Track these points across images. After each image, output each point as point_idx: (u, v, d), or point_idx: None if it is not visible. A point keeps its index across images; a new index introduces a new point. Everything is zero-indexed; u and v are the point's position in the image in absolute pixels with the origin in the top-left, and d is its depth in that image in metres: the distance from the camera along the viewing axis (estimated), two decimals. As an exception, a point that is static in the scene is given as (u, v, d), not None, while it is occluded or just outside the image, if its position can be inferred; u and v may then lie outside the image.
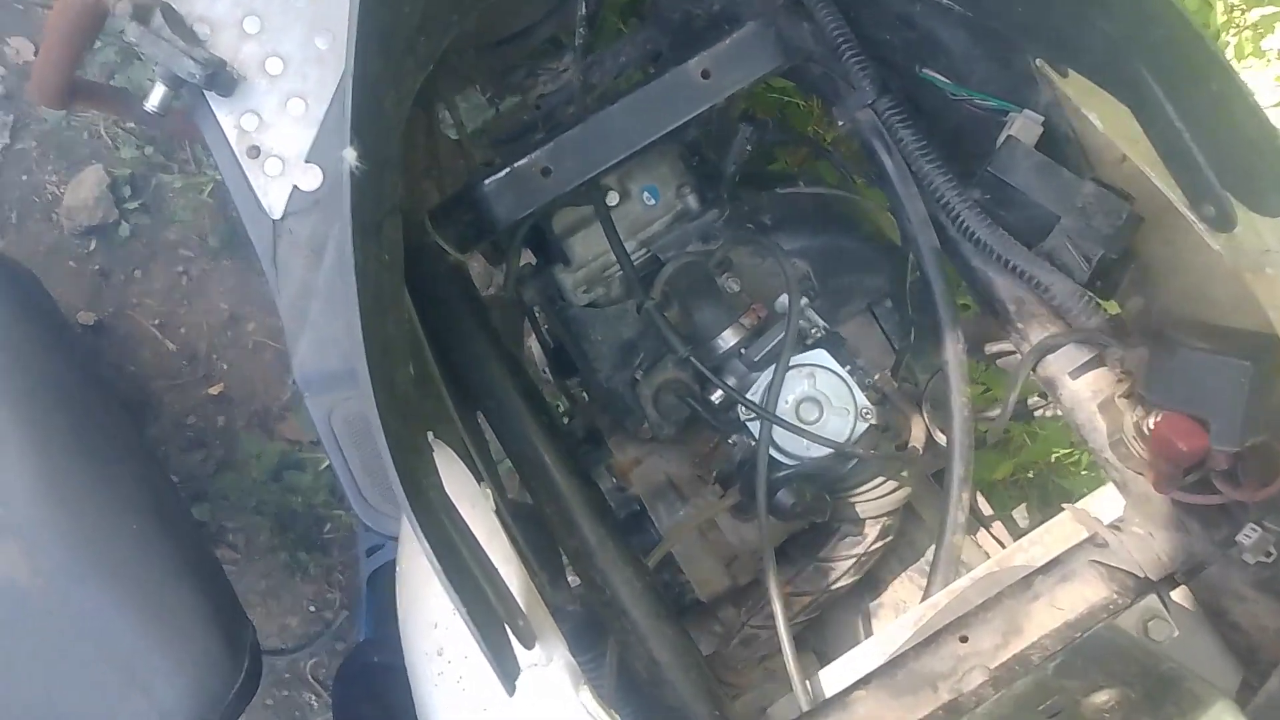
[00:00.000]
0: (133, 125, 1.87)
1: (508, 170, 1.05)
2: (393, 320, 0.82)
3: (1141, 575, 0.88)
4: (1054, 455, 1.76)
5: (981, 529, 1.29)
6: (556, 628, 0.77)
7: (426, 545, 0.67)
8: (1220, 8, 1.87)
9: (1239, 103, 0.67)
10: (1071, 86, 0.89)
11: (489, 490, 0.85)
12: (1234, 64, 1.90)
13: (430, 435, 0.86)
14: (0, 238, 1.86)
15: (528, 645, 0.74)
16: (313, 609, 1.93)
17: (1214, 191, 0.73)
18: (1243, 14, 1.90)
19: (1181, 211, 0.80)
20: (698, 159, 1.27)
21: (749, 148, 1.21)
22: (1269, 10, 1.87)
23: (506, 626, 0.72)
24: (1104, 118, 0.87)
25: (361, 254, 0.70)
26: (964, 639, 0.92)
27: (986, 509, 1.32)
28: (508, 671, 0.69)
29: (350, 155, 0.69)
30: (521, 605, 0.76)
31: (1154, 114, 0.74)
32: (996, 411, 1.08)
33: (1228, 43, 1.90)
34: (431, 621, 0.81)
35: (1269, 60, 1.89)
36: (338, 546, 1.94)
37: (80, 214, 1.87)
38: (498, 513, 0.84)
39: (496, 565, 0.76)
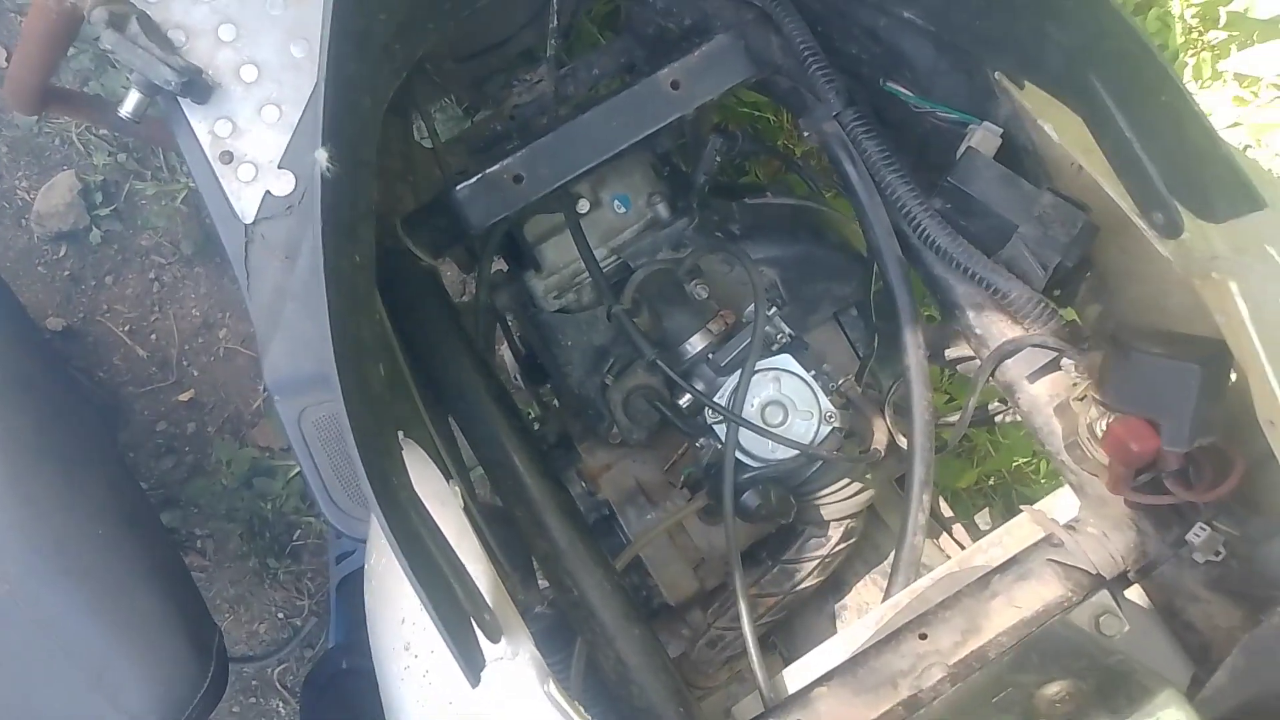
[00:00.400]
0: (106, 131, 1.87)
1: (480, 176, 1.06)
2: (364, 320, 0.83)
3: (1095, 573, 0.90)
4: (1015, 463, 1.79)
5: (944, 533, 1.32)
6: (523, 623, 0.78)
7: (391, 538, 0.68)
8: (1179, 29, 1.92)
9: (1186, 113, 0.69)
10: (1029, 98, 0.92)
11: (458, 488, 0.86)
12: (1192, 84, 1.96)
13: (400, 435, 0.87)
14: (-31, 242, 1.85)
15: (494, 639, 0.75)
16: (281, 616, 1.93)
17: (1162, 199, 0.76)
18: (1201, 35, 1.95)
19: (1133, 219, 0.82)
20: (669, 169, 1.29)
21: (719, 158, 1.23)
22: (1224, 36, 1.92)
23: (473, 620, 0.73)
24: (1059, 128, 0.90)
25: (334, 254, 0.71)
26: (923, 636, 0.93)
27: (951, 515, 1.35)
28: (472, 664, 0.70)
29: (322, 156, 0.71)
30: (489, 601, 0.77)
31: (1106, 124, 0.76)
32: (958, 417, 1.10)
33: (1186, 64, 1.95)
34: (399, 617, 0.82)
35: (1226, 81, 1.94)
36: (307, 553, 1.93)
37: (51, 219, 1.86)
38: (466, 510, 0.85)
39: (465, 562, 0.77)
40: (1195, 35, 1.95)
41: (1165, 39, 1.91)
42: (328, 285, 0.69)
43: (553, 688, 0.72)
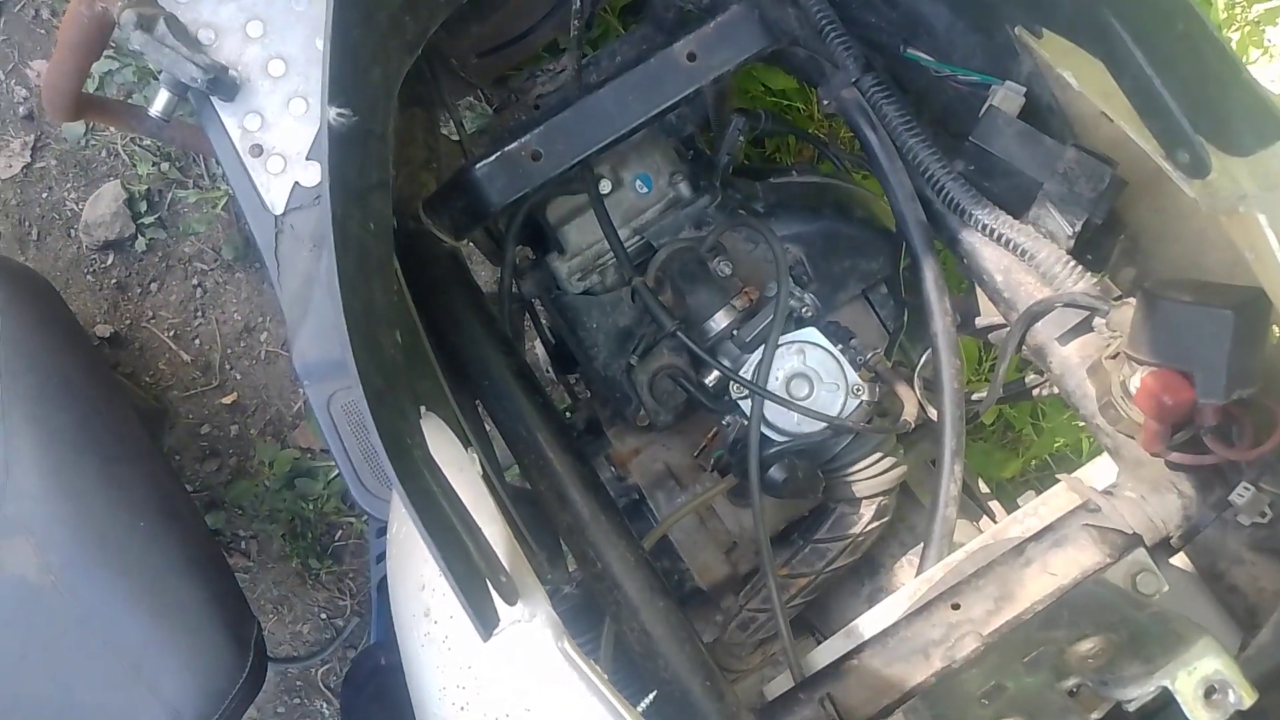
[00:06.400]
0: (149, 142, 1.92)
1: (498, 154, 1.07)
2: (378, 287, 0.83)
3: (1131, 533, 0.87)
4: (1057, 444, 1.74)
5: (984, 516, 1.29)
6: (540, 586, 0.78)
7: (404, 495, 0.68)
8: (1221, 4, 1.87)
9: (1205, 40, 0.67)
10: (1048, 48, 0.90)
11: (475, 455, 0.86)
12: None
13: (422, 409, 0.87)
14: (22, 253, 1.91)
15: (510, 601, 0.74)
16: (324, 616, 1.94)
17: (1187, 136, 0.73)
18: (1244, 10, 1.90)
19: (1159, 163, 0.80)
20: (693, 153, 1.28)
21: (742, 138, 1.23)
22: (1271, 4, 1.87)
23: (488, 581, 0.72)
24: (1080, 76, 0.87)
25: (343, 212, 0.72)
26: (956, 606, 0.91)
27: (995, 506, 1.31)
28: (485, 621, 0.69)
29: (331, 113, 0.71)
30: (505, 564, 0.77)
31: (1125, 63, 0.74)
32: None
33: (1230, 39, 1.90)
34: (419, 583, 0.82)
35: (1272, 56, 1.89)
36: (349, 554, 1.95)
37: (98, 229, 1.91)
38: (485, 478, 0.84)
39: (481, 525, 0.77)
40: (1239, 10, 1.90)
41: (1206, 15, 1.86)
42: (337, 241, 0.70)
43: (567, 644, 0.71)
